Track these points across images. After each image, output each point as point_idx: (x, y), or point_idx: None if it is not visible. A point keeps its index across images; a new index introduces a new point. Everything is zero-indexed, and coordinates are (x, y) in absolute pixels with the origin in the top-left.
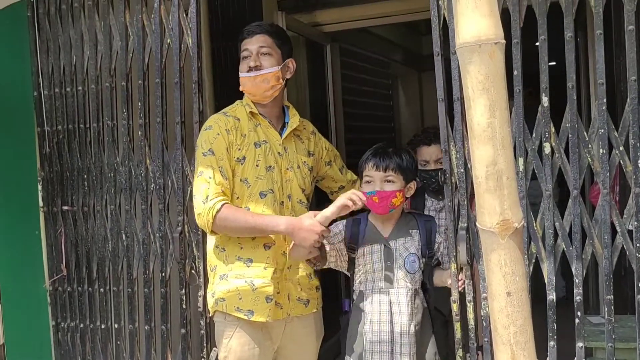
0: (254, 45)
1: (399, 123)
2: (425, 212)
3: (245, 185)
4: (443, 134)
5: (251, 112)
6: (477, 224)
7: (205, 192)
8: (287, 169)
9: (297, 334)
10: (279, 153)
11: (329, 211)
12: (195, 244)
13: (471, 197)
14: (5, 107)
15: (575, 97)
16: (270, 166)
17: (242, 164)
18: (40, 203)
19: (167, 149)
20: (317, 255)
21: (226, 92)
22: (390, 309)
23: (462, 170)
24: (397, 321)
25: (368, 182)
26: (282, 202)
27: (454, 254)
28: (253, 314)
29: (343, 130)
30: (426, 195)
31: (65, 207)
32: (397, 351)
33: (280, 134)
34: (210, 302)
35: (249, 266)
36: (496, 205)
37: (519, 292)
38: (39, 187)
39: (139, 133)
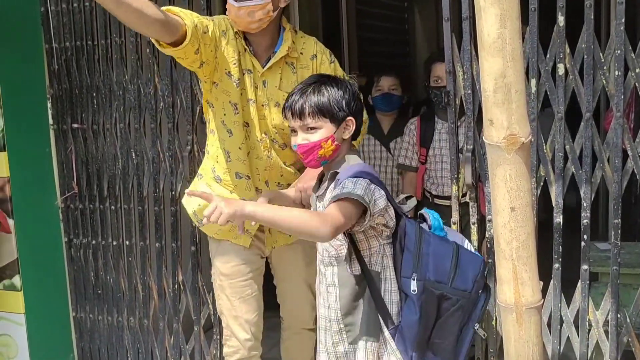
0: None
1: (415, 47)
2: (436, 136)
3: (234, 109)
4: (448, 55)
5: (238, 32)
6: (483, 138)
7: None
8: (263, 104)
9: (285, 258)
10: (256, 86)
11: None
12: None
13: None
14: (13, 24)
15: (592, 17)
16: (249, 99)
17: (237, 86)
18: (50, 121)
19: (175, 67)
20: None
21: None
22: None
23: (469, 91)
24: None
25: (292, 132)
26: (260, 139)
27: (456, 175)
28: (202, 224)
29: (357, 54)
30: (436, 118)
31: (75, 125)
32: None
33: (264, 65)
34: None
35: (217, 182)
36: (504, 119)
37: (523, 207)
38: (49, 105)
39: (147, 51)
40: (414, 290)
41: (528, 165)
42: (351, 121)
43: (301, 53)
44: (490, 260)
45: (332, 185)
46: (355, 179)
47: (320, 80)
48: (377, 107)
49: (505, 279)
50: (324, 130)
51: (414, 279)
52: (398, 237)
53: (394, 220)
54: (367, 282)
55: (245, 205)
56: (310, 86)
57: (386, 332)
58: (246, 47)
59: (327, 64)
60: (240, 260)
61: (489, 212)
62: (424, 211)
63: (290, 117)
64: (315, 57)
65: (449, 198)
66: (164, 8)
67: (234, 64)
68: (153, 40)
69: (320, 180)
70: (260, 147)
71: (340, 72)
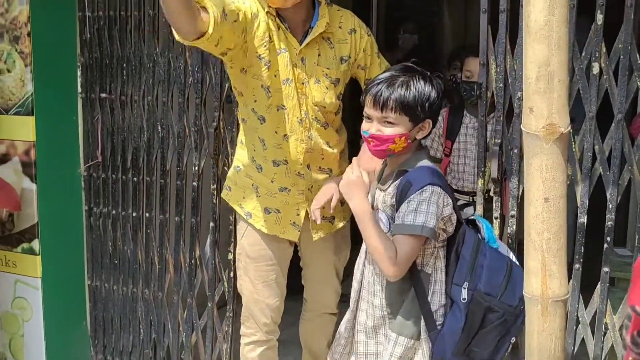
0: None
1: (442, 27)
2: (463, 130)
3: (267, 94)
4: (483, 46)
5: (268, 12)
6: (522, 127)
7: None
8: (303, 83)
9: (316, 244)
10: (295, 65)
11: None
12: (230, 140)
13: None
14: None
15: (632, 17)
16: (287, 79)
17: (268, 68)
18: (79, 89)
19: None
20: None
21: None
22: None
23: (501, 85)
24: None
25: (367, 118)
26: (301, 119)
27: (483, 169)
28: (251, 216)
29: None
30: (465, 112)
31: (104, 95)
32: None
33: (301, 42)
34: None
35: (259, 171)
36: (544, 108)
37: (557, 198)
38: (78, 73)
39: None
40: (463, 299)
41: (565, 157)
42: (428, 123)
43: (339, 27)
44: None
45: (398, 183)
46: (427, 196)
47: (410, 74)
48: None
49: (534, 270)
50: (401, 126)
51: (464, 288)
52: (456, 242)
53: (454, 225)
54: (415, 282)
55: (361, 198)
56: (398, 78)
57: (424, 334)
58: (280, 24)
59: (367, 38)
60: (269, 245)
61: (512, 208)
62: (477, 219)
63: (371, 105)
64: (354, 31)
65: (468, 194)
66: None
67: (264, 46)
68: (173, 30)
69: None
70: (300, 129)
71: (376, 48)
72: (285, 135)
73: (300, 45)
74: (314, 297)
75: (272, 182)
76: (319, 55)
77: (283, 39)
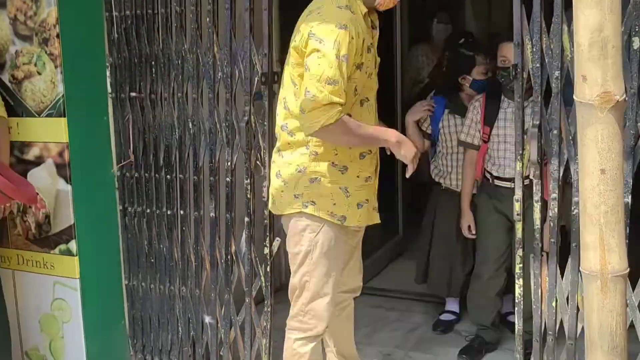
0: None
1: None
2: (501, 115)
3: (354, 93)
4: (517, 26)
5: (366, 14)
6: (574, 96)
7: (336, 99)
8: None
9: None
10: (375, 57)
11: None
12: (262, 134)
13: None
14: None
15: None
16: (371, 73)
17: (360, 71)
18: (109, 89)
19: (235, 37)
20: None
21: None
22: None
23: (537, 65)
24: None
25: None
26: (375, 107)
27: (522, 152)
28: (346, 219)
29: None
30: (502, 97)
31: (133, 94)
32: None
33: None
34: (292, 202)
35: (343, 173)
36: (598, 75)
37: (614, 169)
38: (107, 73)
39: (207, 20)
40: None
41: (621, 126)
42: None
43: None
44: (553, 240)
45: None
46: None
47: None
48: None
49: (592, 245)
50: None
51: None
52: None
53: None
54: None
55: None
56: None
57: None
58: (372, 21)
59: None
60: (347, 239)
61: (552, 191)
62: None
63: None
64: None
65: (509, 180)
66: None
67: (360, 54)
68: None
69: None
70: (377, 119)
71: None
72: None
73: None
74: (352, 282)
75: (358, 176)
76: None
77: (369, 35)
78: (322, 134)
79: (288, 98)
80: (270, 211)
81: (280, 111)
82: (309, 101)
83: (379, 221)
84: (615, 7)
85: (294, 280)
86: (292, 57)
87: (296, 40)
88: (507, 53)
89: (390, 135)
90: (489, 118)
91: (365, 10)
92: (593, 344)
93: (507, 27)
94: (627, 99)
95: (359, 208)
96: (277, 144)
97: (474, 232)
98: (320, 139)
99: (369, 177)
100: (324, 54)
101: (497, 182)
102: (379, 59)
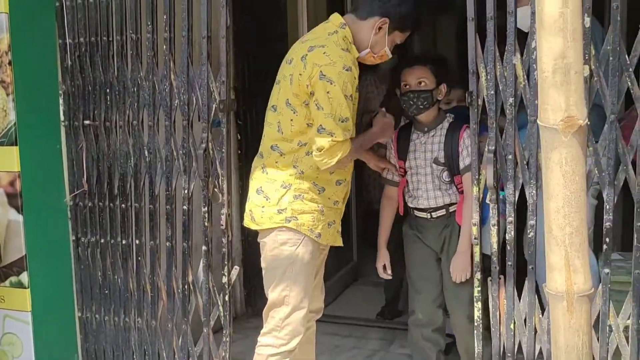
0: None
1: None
2: (412, 147)
3: None
4: (471, 55)
5: (355, 59)
6: (539, 121)
7: (345, 133)
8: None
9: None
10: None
11: None
12: (219, 161)
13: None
14: (27, 18)
15: (619, 18)
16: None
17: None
18: (62, 117)
19: (192, 64)
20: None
21: (246, 16)
22: None
23: (492, 92)
24: None
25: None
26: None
27: (477, 177)
28: (321, 236)
29: None
30: (412, 128)
31: (87, 122)
32: None
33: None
34: (275, 217)
35: (320, 193)
36: (562, 101)
37: (577, 192)
38: (60, 101)
39: (164, 47)
40: None
41: (584, 149)
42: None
43: None
44: (510, 263)
45: None
46: None
47: None
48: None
49: (557, 266)
50: None
51: None
52: None
53: None
54: None
55: None
56: None
57: None
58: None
59: None
60: (320, 255)
61: (509, 214)
62: None
63: None
64: None
65: (425, 210)
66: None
67: (355, 90)
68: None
69: None
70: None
71: None
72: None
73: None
74: (316, 302)
75: (329, 198)
76: None
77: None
78: (336, 165)
79: (283, 123)
80: (228, 239)
81: (270, 133)
82: (327, 141)
83: (341, 244)
84: (578, 35)
85: (273, 296)
86: (292, 85)
87: (300, 71)
88: (408, 78)
89: (373, 134)
90: (402, 151)
91: (357, 55)
92: None
93: (454, 55)
94: None
95: (329, 227)
96: (262, 161)
97: (389, 272)
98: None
99: (337, 201)
100: (335, 95)
101: (416, 212)
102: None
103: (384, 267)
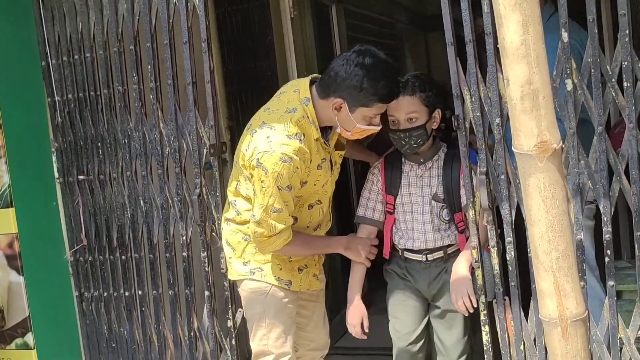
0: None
1: (404, 52)
2: (404, 180)
3: (298, 200)
4: (454, 79)
5: (318, 139)
6: (513, 148)
7: (281, 226)
8: (334, 173)
9: (308, 306)
10: (333, 164)
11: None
12: (214, 206)
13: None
14: (15, 79)
15: (596, 31)
16: (326, 181)
17: (302, 187)
18: (56, 174)
19: (180, 111)
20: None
21: (233, 57)
22: None
23: (478, 114)
24: None
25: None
26: (329, 204)
27: (472, 199)
28: (291, 284)
29: None
30: (403, 159)
31: (81, 177)
32: None
33: (326, 141)
34: (240, 269)
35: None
36: (533, 126)
37: (560, 216)
38: (53, 158)
39: (151, 97)
40: None
41: (561, 172)
42: None
43: None
44: (513, 284)
45: None
46: None
47: None
48: None
49: (547, 292)
50: None
51: None
52: None
53: None
54: None
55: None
56: None
57: None
58: (323, 141)
59: None
60: (291, 300)
61: (507, 235)
62: None
63: None
64: None
65: (420, 252)
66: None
67: (307, 174)
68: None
69: None
70: (329, 212)
71: None
72: (316, 227)
73: (329, 146)
74: (319, 338)
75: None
76: (333, 141)
77: (322, 150)
78: (277, 251)
79: (241, 181)
80: (229, 282)
81: (231, 187)
82: (253, 231)
83: (318, 287)
84: (542, 60)
85: (254, 346)
86: (241, 154)
87: (246, 147)
88: (394, 112)
89: (338, 245)
90: (392, 185)
91: (317, 135)
92: None
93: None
94: (567, 139)
95: (299, 272)
96: (225, 215)
97: (366, 328)
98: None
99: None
100: (268, 186)
101: (407, 254)
102: (339, 168)
103: (362, 324)
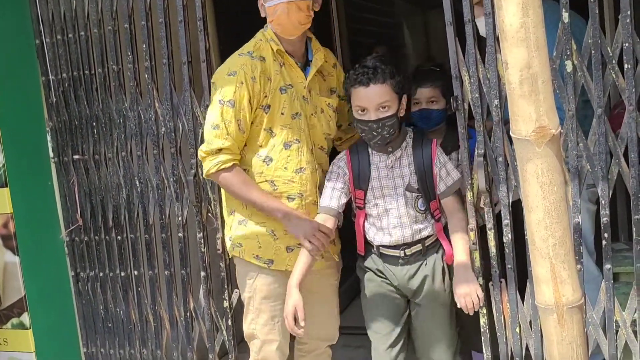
0: None
1: (405, 64)
2: (374, 173)
3: (270, 134)
4: (453, 59)
5: (278, 50)
6: (511, 133)
7: (218, 143)
8: (312, 114)
9: (315, 283)
10: (303, 97)
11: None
12: (210, 186)
13: None
14: (8, 58)
15: (597, 11)
16: (296, 113)
17: (266, 113)
18: (51, 154)
19: (175, 91)
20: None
21: (230, 37)
22: None
23: (476, 95)
24: None
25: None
26: (312, 151)
27: (470, 181)
28: (273, 262)
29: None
30: (369, 150)
31: (76, 157)
32: None
33: (305, 75)
34: (227, 245)
35: (269, 215)
36: (531, 111)
37: (557, 202)
38: (48, 138)
39: (146, 76)
40: None
41: (560, 158)
42: None
43: (326, 61)
44: (510, 266)
45: None
46: None
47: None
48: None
49: (544, 279)
50: None
51: None
52: None
53: None
54: None
55: None
56: None
57: None
58: (289, 59)
59: (342, 74)
60: (283, 284)
61: (505, 217)
62: None
63: None
64: (336, 65)
65: (396, 247)
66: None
67: (265, 96)
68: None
69: None
70: (312, 160)
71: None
72: (297, 169)
73: (306, 78)
74: (325, 329)
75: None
76: (318, 87)
77: (288, 76)
78: (217, 179)
79: None
80: (226, 263)
81: None
82: (201, 149)
83: (318, 266)
84: (541, 43)
85: (244, 327)
86: None
87: None
88: (364, 103)
89: (277, 209)
90: (360, 179)
91: (276, 47)
92: None
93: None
94: (566, 121)
95: (287, 252)
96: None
97: (302, 318)
98: (219, 185)
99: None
100: (212, 101)
101: (382, 250)
102: (327, 100)
103: (295, 316)
